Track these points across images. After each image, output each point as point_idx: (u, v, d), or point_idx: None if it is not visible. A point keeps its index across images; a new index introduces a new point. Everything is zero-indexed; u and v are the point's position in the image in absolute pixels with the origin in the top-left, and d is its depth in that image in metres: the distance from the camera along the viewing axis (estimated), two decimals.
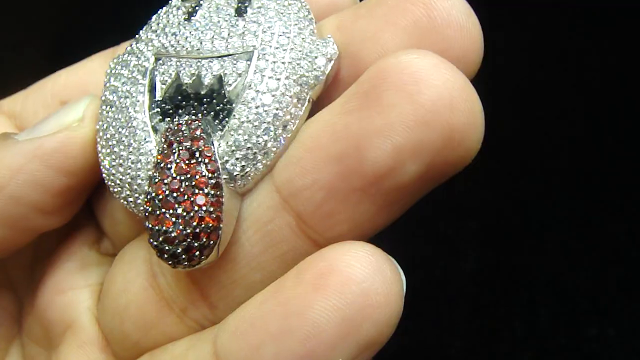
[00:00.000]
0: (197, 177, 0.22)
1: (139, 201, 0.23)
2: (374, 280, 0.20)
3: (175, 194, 0.22)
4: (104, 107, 0.25)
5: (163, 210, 0.22)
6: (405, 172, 0.20)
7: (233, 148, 0.22)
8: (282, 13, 0.24)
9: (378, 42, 0.22)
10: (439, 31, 0.21)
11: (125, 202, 0.24)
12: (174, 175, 0.22)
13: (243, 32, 0.23)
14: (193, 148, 0.22)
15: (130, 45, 0.25)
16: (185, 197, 0.22)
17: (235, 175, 0.23)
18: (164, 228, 0.22)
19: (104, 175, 0.24)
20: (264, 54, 0.23)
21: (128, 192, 0.24)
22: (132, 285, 0.25)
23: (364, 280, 0.20)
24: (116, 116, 0.24)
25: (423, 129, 0.20)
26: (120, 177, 0.24)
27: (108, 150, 0.24)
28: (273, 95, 0.23)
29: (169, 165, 0.22)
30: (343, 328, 0.20)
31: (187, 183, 0.22)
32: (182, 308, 0.24)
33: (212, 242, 0.22)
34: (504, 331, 0.45)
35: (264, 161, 0.23)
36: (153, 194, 0.22)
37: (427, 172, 0.20)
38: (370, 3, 0.23)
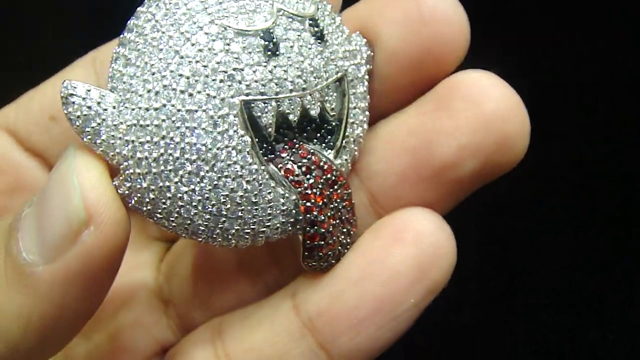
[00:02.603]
0: (345, 197, 0.25)
1: (263, 239, 0.25)
2: (440, 236, 0.24)
3: (336, 222, 0.25)
4: (185, 164, 0.23)
5: (334, 238, 0.25)
6: (465, 167, 0.24)
7: (349, 160, 0.26)
8: (338, 26, 0.26)
9: (380, 36, 0.26)
10: (428, 24, 0.25)
11: (236, 242, 0.25)
12: (331, 206, 0.25)
13: (332, 59, 0.25)
14: (331, 177, 0.25)
15: (174, 89, 0.23)
16: (343, 219, 0.26)
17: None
18: (334, 249, 0.25)
19: (203, 235, 0.25)
20: (352, 77, 0.25)
21: (250, 239, 0.25)
22: (212, 249, 0.28)
23: (433, 234, 0.24)
24: (224, 173, 0.23)
25: (482, 133, 0.24)
26: (244, 228, 0.24)
27: (228, 208, 0.24)
28: (366, 105, 0.26)
29: (325, 200, 0.25)
30: (417, 273, 0.24)
31: (341, 207, 0.26)
32: (257, 272, 0.28)
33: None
34: (505, 332, 0.45)
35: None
36: (323, 230, 0.25)
37: (481, 170, 0.24)
38: None
